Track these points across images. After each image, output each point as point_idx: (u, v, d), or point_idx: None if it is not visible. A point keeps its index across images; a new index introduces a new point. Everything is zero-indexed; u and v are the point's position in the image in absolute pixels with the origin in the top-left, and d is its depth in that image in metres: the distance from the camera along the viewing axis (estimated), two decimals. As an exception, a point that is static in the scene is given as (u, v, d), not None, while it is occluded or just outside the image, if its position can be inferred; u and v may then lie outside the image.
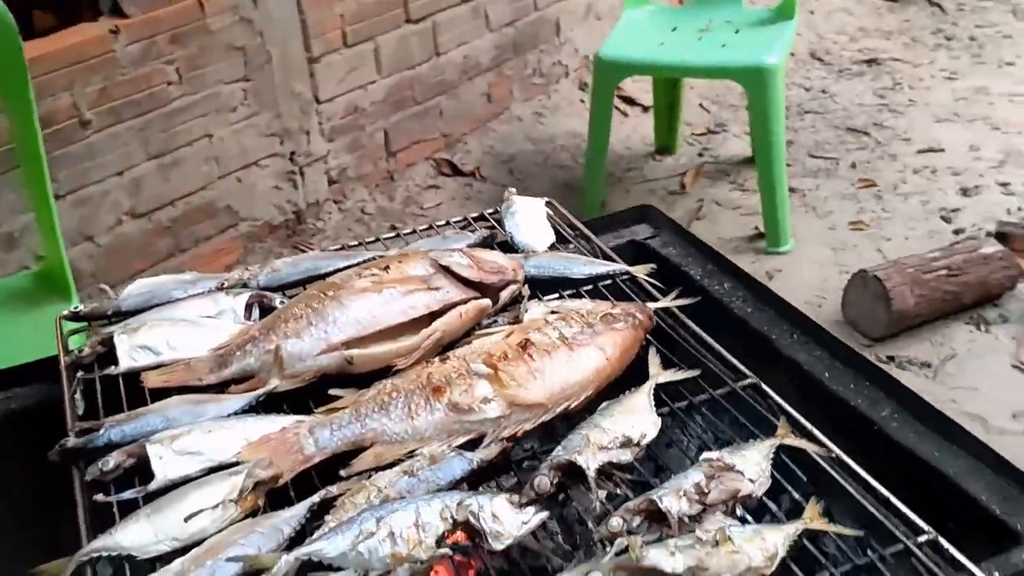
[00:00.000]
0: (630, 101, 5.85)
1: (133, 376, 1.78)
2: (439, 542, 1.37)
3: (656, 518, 1.39)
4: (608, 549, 1.35)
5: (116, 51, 3.91)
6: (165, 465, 1.53)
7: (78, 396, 1.75)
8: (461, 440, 1.57)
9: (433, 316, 1.78)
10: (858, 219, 4.67)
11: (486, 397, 1.58)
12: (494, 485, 1.56)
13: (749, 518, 1.42)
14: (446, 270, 1.83)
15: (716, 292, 2.03)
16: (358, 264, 1.98)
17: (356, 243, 2.20)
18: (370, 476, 1.51)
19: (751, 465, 1.45)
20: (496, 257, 1.89)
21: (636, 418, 1.56)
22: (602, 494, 1.46)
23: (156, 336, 1.82)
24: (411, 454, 1.56)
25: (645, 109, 5.78)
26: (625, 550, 1.34)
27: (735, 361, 1.71)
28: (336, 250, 2.16)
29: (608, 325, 1.70)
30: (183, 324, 1.86)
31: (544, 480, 1.44)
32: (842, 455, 1.49)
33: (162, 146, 4.19)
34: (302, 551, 1.36)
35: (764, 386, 1.65)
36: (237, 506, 1.45)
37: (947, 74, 5.89)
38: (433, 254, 1.87)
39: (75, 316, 1.95)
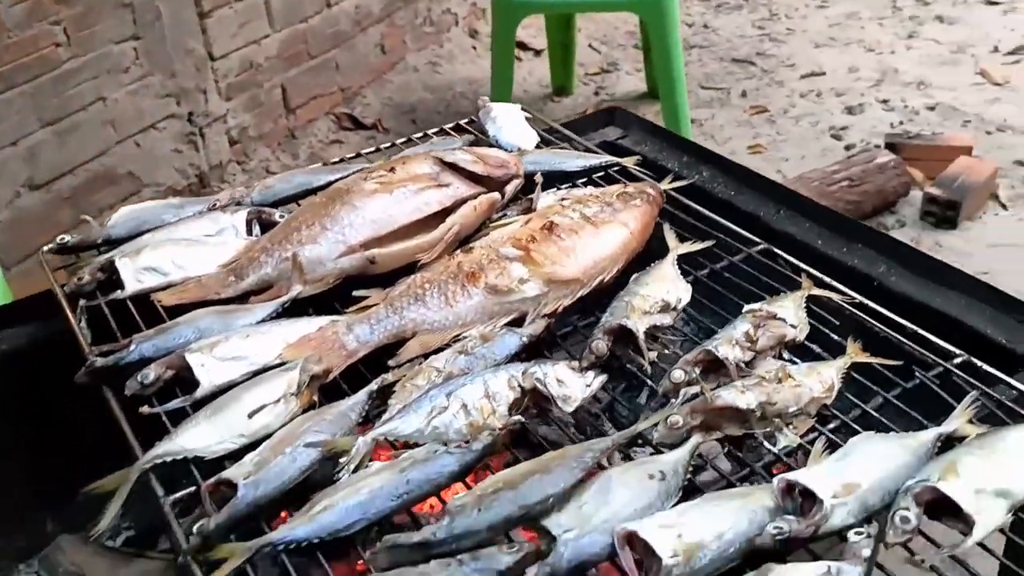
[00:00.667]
0: (522, 46, 5.88)
1: (140, 300, 1.72)
2: (511, 410, 1.40)
3: (712, 368, 1.45)
4: (674, 400, 1.41)
5: (0, 13, 3.68)
6: (209, 372, 1.50)
7: (83, 324, 1.68)
8: (504, 320, 1.59)
9: (444, 213, 1.78)
10: (755, 143, 4.86)
11: (523, 278, 1.61)
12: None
13: (797, 360, 1.50)
14: (452, 167, 1.84)
15: (698, 180, 2.11)
16: (350, 174, 1.96)
17: (339, 159, 2.17)
18: (423, 361, 1.51)
19: (790, 313, 1.53)
20: (498, 152, 1.90)
21: (669, 285, 1.62)
22: (652, 355, 1.51)
23: (161, 257, 1.76)
24: (456, 339, 1.57)
25: (537, 53, 5.83)
26: (692, 397, 1.40)
27: (743, 232, 1.78)
28: (323, 165, 2.12)
29: (626, 202, 1.75)
30: (187, 243, 1.80)
31: (600, 343, 1.48)
32: (865, 300, 1.59)
33: (56, 112, 3.96)
34: (378, 431, 1.36)
35: (776, 249, 1.73)
36: (296, 400, 1.44)
37: (819, 2, 6.17)
38: (436, 153, 1.87)
39: (62, 248, 1.86)
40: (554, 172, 1.96)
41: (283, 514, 1.35)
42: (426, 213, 1.76)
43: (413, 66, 5.80)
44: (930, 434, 1.31)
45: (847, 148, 4.75)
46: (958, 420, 1.33)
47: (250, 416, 1.40)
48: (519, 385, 1.42)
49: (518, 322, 1.60)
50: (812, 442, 1.32)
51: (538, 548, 1.18)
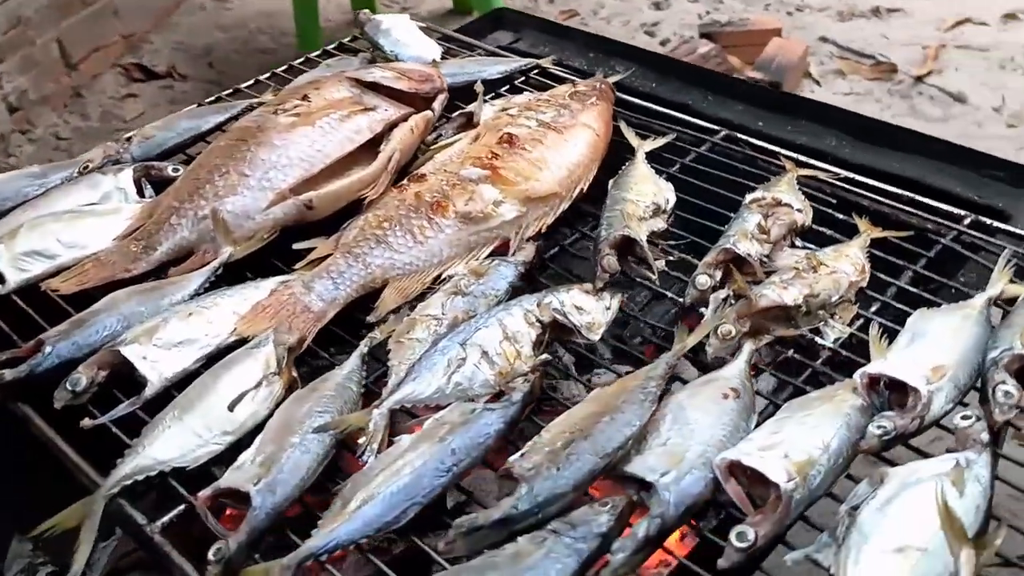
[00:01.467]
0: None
1: (27, 293, 1.41)
2: (534, 349, 1.22)
3: (730, 268, 1.32)
4: (703, 310, 1.28)
5: None
6: (154, 365, 1.23)
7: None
8: (487, 250, 1.40)
9: (375, 141, 1.55)
10: (572, 47, 4.76)
11: (496, 200, 1.41)
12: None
13: (812, 247, 1.39)
14: (373, 87, 1.60)
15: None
16: (242, 111, 1.68)
17: (221, 95, 1.86)
18: (409, 311, 1.31)
19: (792, 197, 1.42)
20: (418, 66, 1.67)
21: (652, 186, 1.47)
22: (660, 264, 1.36)
23: (42, 237, 1.44)
24: (438, 280, 1.37)
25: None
26: (724, 301, 1.27)
27: (700, 121, 1.65)
28: (209, 103, 1.82)
29: (583, 102, 1.58)
30: (71, 216, 1.49)
31: (611, 259, 1.32)
32: (851, 174, 1.50)
33: None
34: (393, 399, 1.15)
35: (738, 135, 1.61)
36: (279, 379, 1.20)
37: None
38: (351, 74, 1.62)
39: None
40: (473, 82, 1.75)
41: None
42: (358, 143, 1.53)
43: (200, 5, 5.29)
44: (980, 299, 1.24)
45: (662, 43, 4.74)
46: (1001, 281, 1.27)
47: (231, 408, 1.16)
48: (537, 320, 1.24)
49: (499, 252, 1.41)
50: (861, 331, 1.23)
51: (630, 499, 1.03)
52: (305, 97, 1.57)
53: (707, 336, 1.21)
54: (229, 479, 1.07)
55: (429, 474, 1.06)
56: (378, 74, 1.61)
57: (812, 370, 1.21)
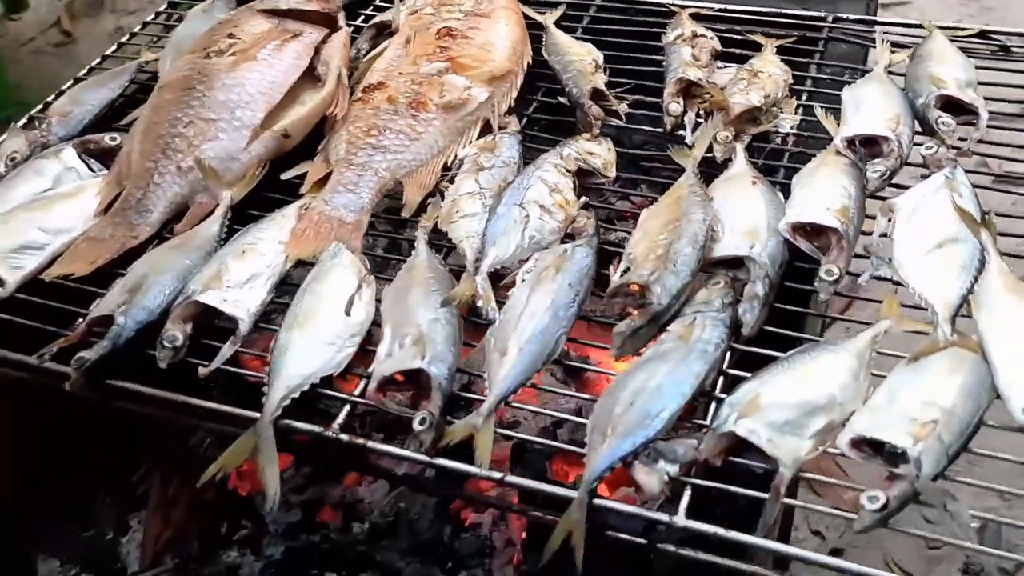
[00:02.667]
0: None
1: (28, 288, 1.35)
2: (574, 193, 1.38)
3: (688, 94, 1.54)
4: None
5: None
6: (237, 304, 1.25)
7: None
8: (475, 132, 1.52)
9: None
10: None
11: (466, 86, 1.53)
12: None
13: (731, 65, 1.63)
14: (287, 14, 1.63)
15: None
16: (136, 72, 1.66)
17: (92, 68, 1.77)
18: (442, 202, 1.40)
19: (700, 28, 1.66)
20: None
21: (580, 47, 1.65)
22: (623, 107, 1.55)
23: (22, 229, 1.37)
24: (446, 167, 1.47)
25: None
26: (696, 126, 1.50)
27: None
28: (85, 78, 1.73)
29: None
30: (40, 205, 1.42)
31: (595, 107, 1.50)
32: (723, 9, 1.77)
33: None
34: (486, 264, 1.27)
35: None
36: (363, 281, 1.27)
37: None
38: (260, 7, 1.64)
39: None
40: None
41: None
42: (303, 67, 1.56)
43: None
44: (880, 69, 1.56)
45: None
46: (885, 53, 1.59)
47: (348, 313, 1.22)
48: (567, 170, 1.40)
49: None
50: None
51: (727, 276, 1.23)
52: (231, 36, 1.57)
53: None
54: (393, 364, 1.14)
55: (562, 307, 1.19)
56: (291, 0, 1.63)
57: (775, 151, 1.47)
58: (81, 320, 1.28)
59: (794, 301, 1.26)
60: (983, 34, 1.66)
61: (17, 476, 1.63)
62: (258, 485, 1.18)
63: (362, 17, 1.84)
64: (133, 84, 1.71)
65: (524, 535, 1.60)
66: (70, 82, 1.72)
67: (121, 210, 1.42)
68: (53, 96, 1.68)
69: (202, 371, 1.21)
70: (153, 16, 1.93)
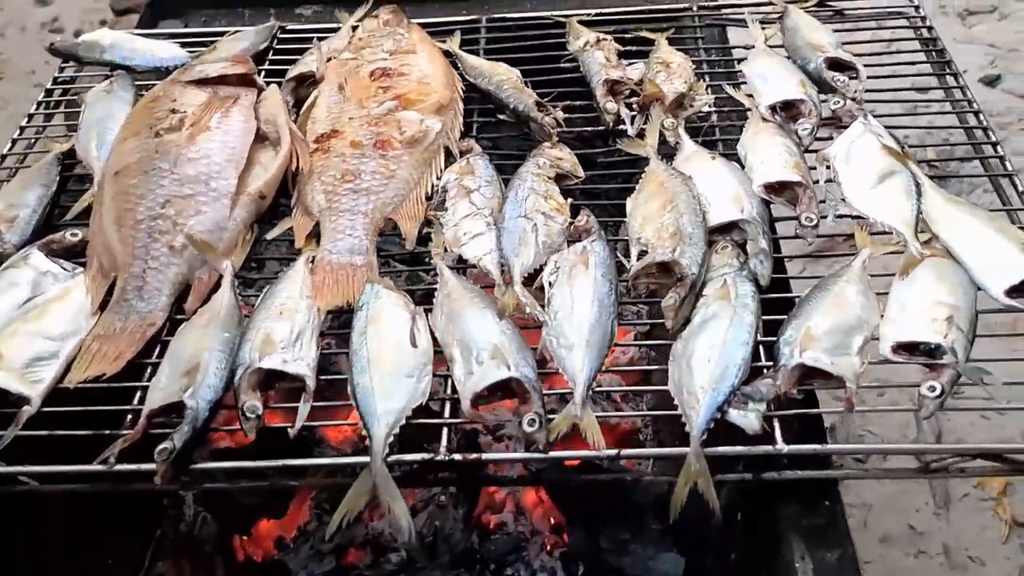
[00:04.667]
0: None
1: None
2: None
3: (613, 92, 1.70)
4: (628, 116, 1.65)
5: None
6: (297, 363, 1.28)
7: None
8: (441, 159, 1.60)
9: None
10: None
11: (421, 119, 1.61)
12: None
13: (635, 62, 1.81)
14: (221, 80, 1.64)
15: None
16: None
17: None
18: (441, 227, 1.49)
19: (592, 35, 1.83)
20: (226, 48, 1.75)
21: (501, 66, 1.78)
22: (560, 114, 1.69)
23: (27, 344, 1.32)
24: (429, 196, 1.55)
25: None
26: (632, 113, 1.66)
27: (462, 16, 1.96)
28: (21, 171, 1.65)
29: (400, 24, 1.82)
30: (34, 315, 1.36)
31: (549, 117, 1.63)
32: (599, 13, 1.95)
33: None
34: (518, 274, 1.36)
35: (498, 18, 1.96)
36: (415, 313, 1.34)
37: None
38: (187, 77, 1.64)
39: None
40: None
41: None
42: (254, 129, 1.58)
43: None
44: (760, 44, 1.80)
45: None
46: (758, 29, 1.84)
47: (414, 344, 1.29)
48: (548, 177, 1.52)
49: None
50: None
51: (729, 240, 1.41)
52: (173, 111, 1.57)
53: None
54: (480, 379, 1.22)
55: (604, 295, 1.32)
56: (217, 67, 1.64)
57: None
58: (130, 417, 1.26)
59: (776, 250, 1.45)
60: (821, 3, 1.94)
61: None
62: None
63: (262, 74, 1.85)
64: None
65: (551, 521, 1.71)
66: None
67: (122, 301, 1.39)
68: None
69: (291, 431, 1.23)
70: (35, 107, 1.85)
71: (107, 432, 1.25)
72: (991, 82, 3.57)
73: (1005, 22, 3.85)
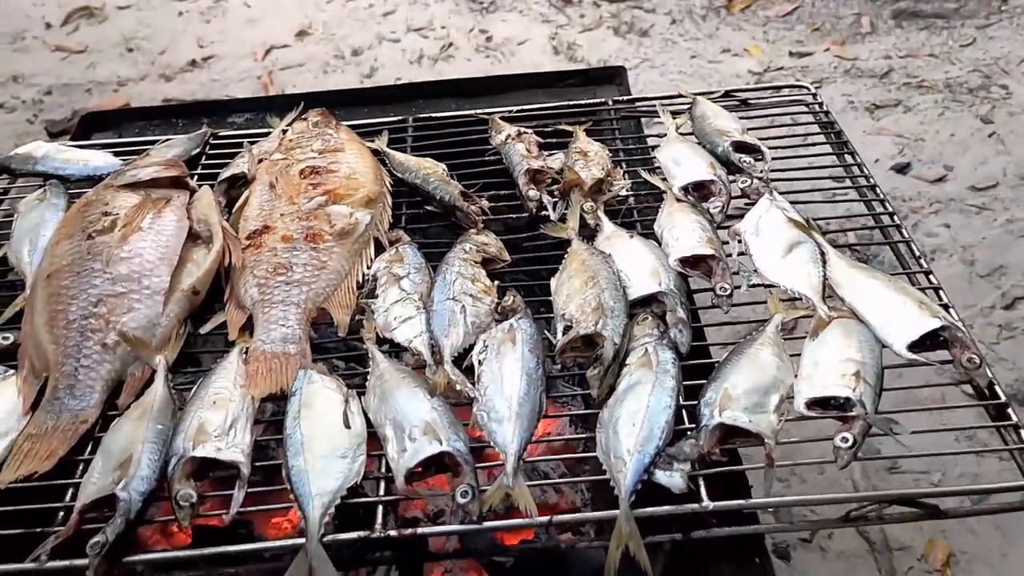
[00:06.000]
0: None
1: None
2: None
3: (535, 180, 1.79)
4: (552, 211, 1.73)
5: None
6: (232, 451, 1.29)
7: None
8: (371, 250, 1.65)
9: (183, 226, 1.67)
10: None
11: (350, 212, 1.67)
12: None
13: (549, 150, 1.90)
14: (152, 183, 1.69)
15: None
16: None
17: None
18: (369, 313, 1.53)
19: (517, 128, 1.92)
20: (157, 155, 1.81)
21: (428, 162, 1.85)
22: (485, 203, 1.76)
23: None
24: (360, 285, 1.60)
25: None
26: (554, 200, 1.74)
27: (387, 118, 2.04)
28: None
29: (329, 124, 1.89)
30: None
31: (474, 207, 1.70)
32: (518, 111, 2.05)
33: None
34: (447, 354, 1.41)
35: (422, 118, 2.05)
36: (348, 396, 1.37)
37: None
38: (119, 182, 1.69)
39: None
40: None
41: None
42: (187, 228, 1.63)
43: None
44: (671, 132, 1.90)
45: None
46: (668, 119, 1.94)
47: (348, 426, 1.31)
48: (474, 261, 1.58)
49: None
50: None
51: (651, 313, 1.47)
52: (105, 214, 1.61)
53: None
54: (414, 455, 1.25)
55: (532, 370, 1.36)
56: (149, 172, 1.69)
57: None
58: (62, 514, 1.26)
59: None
60: (727, 94, 2.07)
61: None
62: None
63: (196, 177, 1.90)
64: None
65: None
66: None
67: (54, 400, 1.40)
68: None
69: (225, 518, 1.23)
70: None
71: (39, 530, 1.24)
72: (901, 169, 3.76)
73: (910, 114, 4.08)
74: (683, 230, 1.60)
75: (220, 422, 1.32)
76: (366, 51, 4.62)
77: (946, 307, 1.45)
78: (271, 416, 1.44)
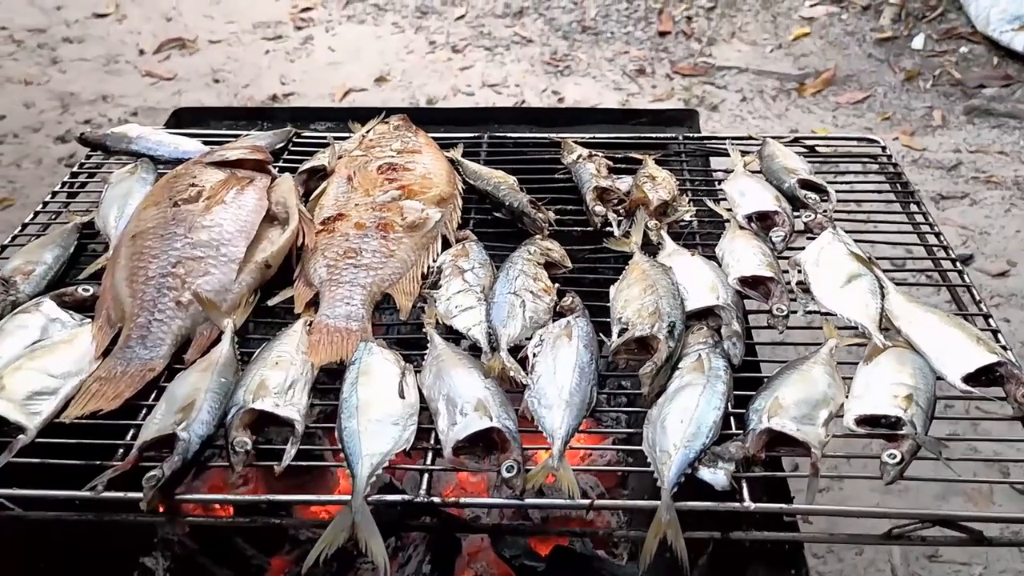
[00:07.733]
0: None
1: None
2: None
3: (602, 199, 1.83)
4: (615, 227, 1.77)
5: None
6: (288, 408, 1.33)
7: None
8: (438, 244, 1.71)
9: (262, 206, 1.74)
10: None
11: (422, 208, 1.73)
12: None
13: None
14: (238, 163, 1.77)
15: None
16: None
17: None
18: (435, 303, 1.57)
19: (584, 150, 1.97)
20: (248, 139, 1.89)
21: (497, 172, 1.91)
22: (551, 215, 1.81)
23: (32, 378, 1.38)
24: (424, 276, 1.65)
25: None
26: (619, 218, 1.79)
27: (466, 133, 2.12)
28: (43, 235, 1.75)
29: (409, 129, 1.95)
30: (40, 353, 1.43)
31: (540, 215, 1.75)
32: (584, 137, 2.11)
33: None
34: (504, 343, 1.44)
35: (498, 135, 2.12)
36: (405, 369, 1.41)
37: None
38: (210, 159, 1.77)
39: None
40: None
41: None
42: (266, 208, 1.70)
43: None
44: (739, 167, 1.93)
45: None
46: (738, 159, 1.98)
47: (402, 396, 1.35)
48: (537, 263, 1.62)
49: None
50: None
51: (705, 326, 1.50)
52: (192, 185, 1.68)
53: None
54: (463, 428, 1.27)
55: (585, 364, 1.39)
56: (237, 152, 1.77)
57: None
58: (122, 451, 1.31)
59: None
60: (796, 140, 2.11)
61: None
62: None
63: (276, 170, 1.98)
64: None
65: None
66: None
67: (126, 348, 1.46)
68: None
69: (277, 468, 1.27)
70: (60, 185, 1.98)
71: (98, 463, 1.29)
72: (964, 261, 3.73)
73: (976, 207, 4.05)
74: (744, 253, 1.63)
75: (280, 381, 1.37)
76: (440, 101, 4.74)
77: (1004, 348, 1.45)
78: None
